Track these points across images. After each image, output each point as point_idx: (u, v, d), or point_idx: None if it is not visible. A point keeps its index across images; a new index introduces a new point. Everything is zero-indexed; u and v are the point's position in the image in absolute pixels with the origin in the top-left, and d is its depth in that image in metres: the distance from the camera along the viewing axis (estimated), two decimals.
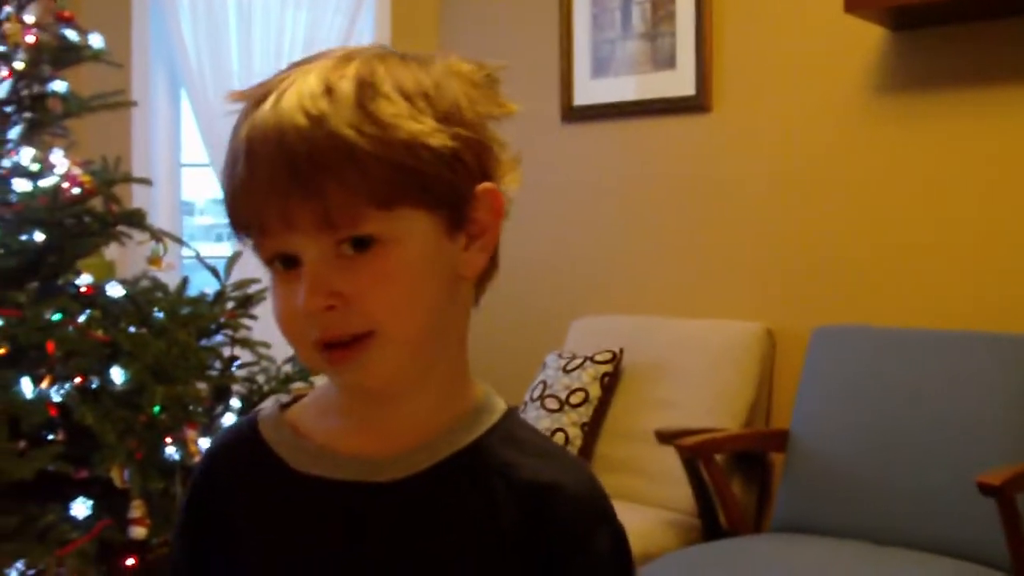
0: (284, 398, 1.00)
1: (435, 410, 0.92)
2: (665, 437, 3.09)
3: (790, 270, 3.47)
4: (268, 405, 1.00)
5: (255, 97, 0.87)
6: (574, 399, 3.42)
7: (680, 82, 3.70)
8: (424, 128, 0.84)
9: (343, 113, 0.82)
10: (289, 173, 0.82)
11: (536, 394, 3.52)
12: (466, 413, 0.94)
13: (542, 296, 4.03)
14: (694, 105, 3.67)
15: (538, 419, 3.43)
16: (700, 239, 3.67)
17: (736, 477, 3.23)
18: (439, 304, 0.89)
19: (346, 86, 0.84)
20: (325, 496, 0.91)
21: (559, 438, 3.36)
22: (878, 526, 2.86)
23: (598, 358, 3.48)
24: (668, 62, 3.73)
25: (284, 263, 0.86)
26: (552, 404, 3.44)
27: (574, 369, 3.48)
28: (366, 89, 0.84)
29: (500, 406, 0.96)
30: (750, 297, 3.54)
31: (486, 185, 0.90)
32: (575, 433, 3.38)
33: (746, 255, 3.56)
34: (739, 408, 3.30)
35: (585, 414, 3.40)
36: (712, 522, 3.10)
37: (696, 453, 3.02)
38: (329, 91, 0.83)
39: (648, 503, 3.24)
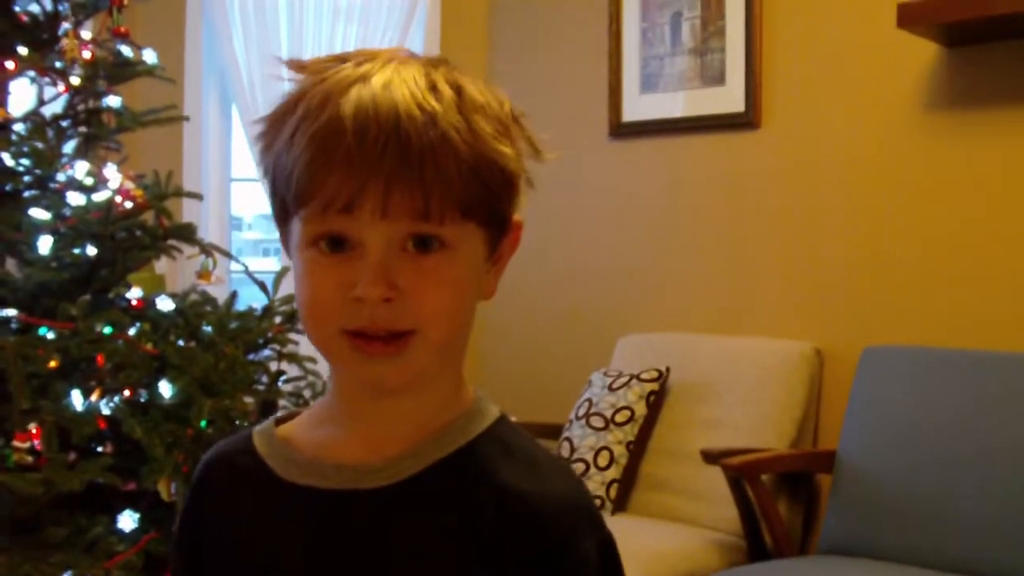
0: (281, 414, 1.02)
1: (428, 416, 0.93)
2: (711, 456, 3.06)
3: (840, 289, 3.43)
4: (259, 427, 1.01)
5: (345, 78, 0.87)
6: (619, 417, 3.40)
7: (729, 98, 3.68)
8: (508, 152, 0.88)
9: (450, 116, 0.85)
10: (401, 157, 0.83)
11: (581, 412, 3.50)
12: (457, 419, 0.94)
13: (589, 313, 4.02)
14: (743, 122, 3.65)
15: (583, 437, 3.42)
16: (749, 257, 3.64)
17: (782, 498, 3.20)
18: (470, 314, 0.92)
19: (447, 90, 0.86)
20: (311, 505, 0.92)
21: (604, 456, 3.35)
22: (927, 550, 2.81)
23: (644, 376, 3.46)
24: (717, 78, 3.71)
25: (331, 245, 0.86)
26: (597, 422, 3.43)
27: (620, 387, 3.46)
28: (464, 99, 0.87)
29: (492, 411, 0.96)
30: (799, 316, 3.50)
31: (517, 218, 0.94)
32: (620, 452, 3.36)
33: (795, 273, 3.53)
34: (786, 428, 3.27)
35: (630, 433, 3.39)
36: (757, 543, 3.07)
37: (742, 473, 2.99)
38: (435, 90, 0.86)
39: (693, 523, 3.21)
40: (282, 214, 0.91)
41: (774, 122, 3.61)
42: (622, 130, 3.98)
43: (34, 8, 2.85)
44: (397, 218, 0.84)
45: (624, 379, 3.48)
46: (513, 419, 0.97)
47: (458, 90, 0.87)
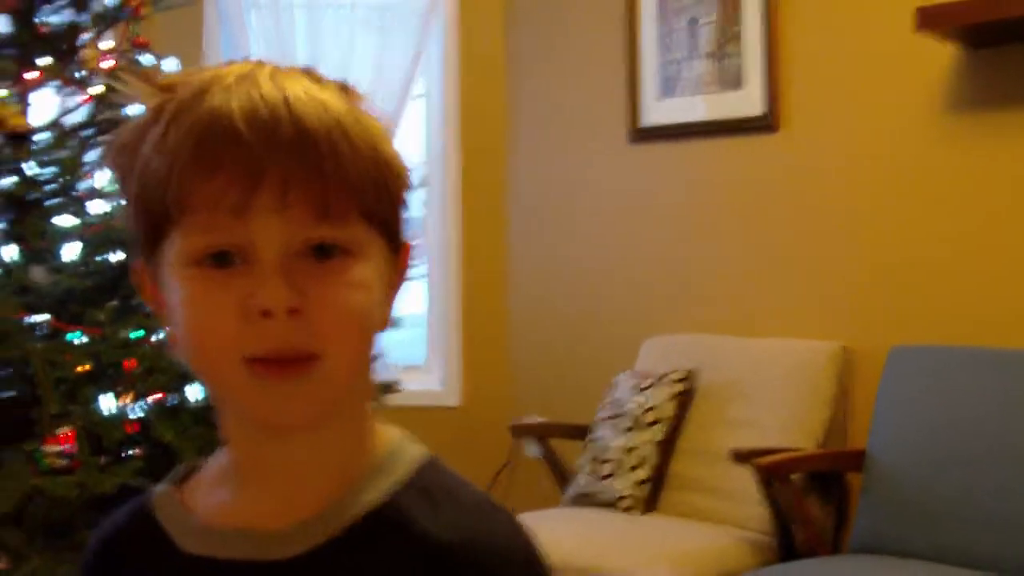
0: (182, 470, 0.90)
1: (338, 464, 0.82)
2: (740, 456, 3.05)
3: (866, 289, 3.42)
4: (165, 481, 0.90)
5: (219, 74, 0.77)
6: (648, 418, 3.39)
7: (748, 102, 3.68)
8: (398, 156, 0.81)
9: (342, 106, 0.77)
10: (298, 144, 0.74)
11: (608, 413, 3.50)
12: (371, 468, 0.82)
13: (613, 315, 4.02)
14: (762, 125, 3.64)
15: (612, 438, 3.41)
16: (773, 258, 3.63)
17: (812, 497, 3.18)
18: (371, 344, 0.80)
19: (332, 86, 0.79)
20: None
21: (633, 457, 3.34)
22: (959, 549, 2.79)
23: (672, 377, 3.45)
24: (735, 82, 3.71)
25: (217, 260, 0.75)
26: (626, 423, 3.42)
27: (647, 388, 3.45)
28: (350, 96, 0.80)
29: (414, 454, 0.85)
30: (825, 316, 3.49)
31: (407, 240, 0.85)
32: (649, 452, 3.35)
33: (821, 274, 3.52)
34: (815, 427, 3.25)
35: (659, 433, 3.38)
36: (788, 542, 3.05)
37: (772, 473, 2.98)
38: (320, 83, 0.79)
39: (723, 522, 3.20)
40: (151, 238, 0.78)
41: (793, 125, 3.60)
42: (641, 135, 3.98)
43: (55, 20, 2.88)
44: (296, 216, 0.74)
45: (652, 380, 3.47)
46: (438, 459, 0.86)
47: (342, 87, 0.80)
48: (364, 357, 0.80)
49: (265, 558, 0.79)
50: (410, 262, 0.86)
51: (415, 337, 4.40)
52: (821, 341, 3.40)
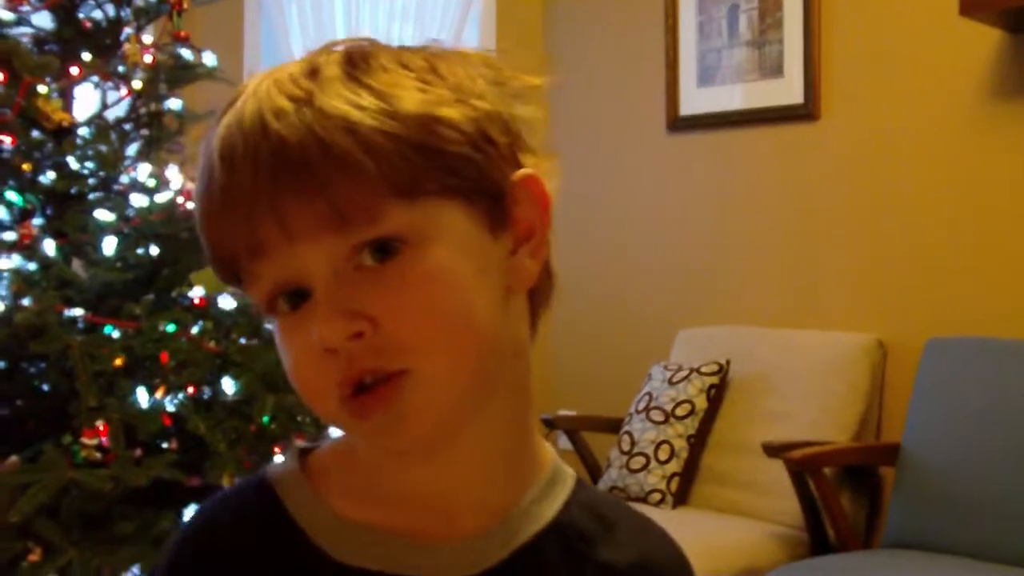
0: (295, 450, 0.79)
1: (503, 473, 0.75)
2: (773, 450, 3.05)
3: (902, 280, 3.39)
4: (283, 461, 0.79)
5: (226, 105, 0.71)
6: (680, 411, 3.39)
7: (788, 90, 3.65)
8: (433, 98, 0.68)
9: (334, 88, 0.67)
10: (278, 167, 0.65)
11: (641, 406, 3.50)
12: (540, 480, 0.77)
13: (647, 307, 4.01)
14: (802, 113, 3.62)
15: (644, 431, 3.42)
16: (809, 249, 3.61)
17: (845, 491, 3.17)
18: (492, 322, 0.70)
19: (333, 63, 0.69)
20: None
21: (665, 450, 3.35)
22: (994, 544, 2.78)
23: (704, 370, 3.45)
24: (775, 70, 3.69)
25: (290, 301, 0.69)
26: (657, 416, 3.42)
27: (680, 381, 3.45)
28: (357, 62, 0.69)
29: (569, 470, 0.80)
30: (861, 308, 3.47)
31: (525, 171, 0.72)
32: (681, 445, 3.35)
33: (857, 265, 3.49)
34: (849, 421, 3.24)
35: (691, 426, 3.38)
36: (820, 537, 3.05)
37: (804, 466, 2.97)
38: (313, 72, 0.68)
39: (755, 516, 3.20)
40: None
41: (833, 113, 3.58)
42: (680, 124, 3.96)
43: (97, 15, 2.91)
44: (317, 235, 0.66)
45: (684, 372, 3.47)
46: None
47: (352, 57, 0.69)
48: (478, 344, 0.69)
49: None
50: (540, 192, 0.73)
51: None
52: (856, 333, 3.38)
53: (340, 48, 0.71)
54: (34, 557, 2.12)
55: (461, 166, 0.69)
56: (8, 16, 2.58)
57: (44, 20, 2.80)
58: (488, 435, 0.73)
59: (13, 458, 2.19)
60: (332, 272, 0.67)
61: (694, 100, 3.92)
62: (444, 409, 0.68)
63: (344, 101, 0.66)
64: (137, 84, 2.87)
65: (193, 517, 0.77)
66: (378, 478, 0.74)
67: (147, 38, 2.93)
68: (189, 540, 0.75)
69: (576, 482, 0.79)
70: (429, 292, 0.67)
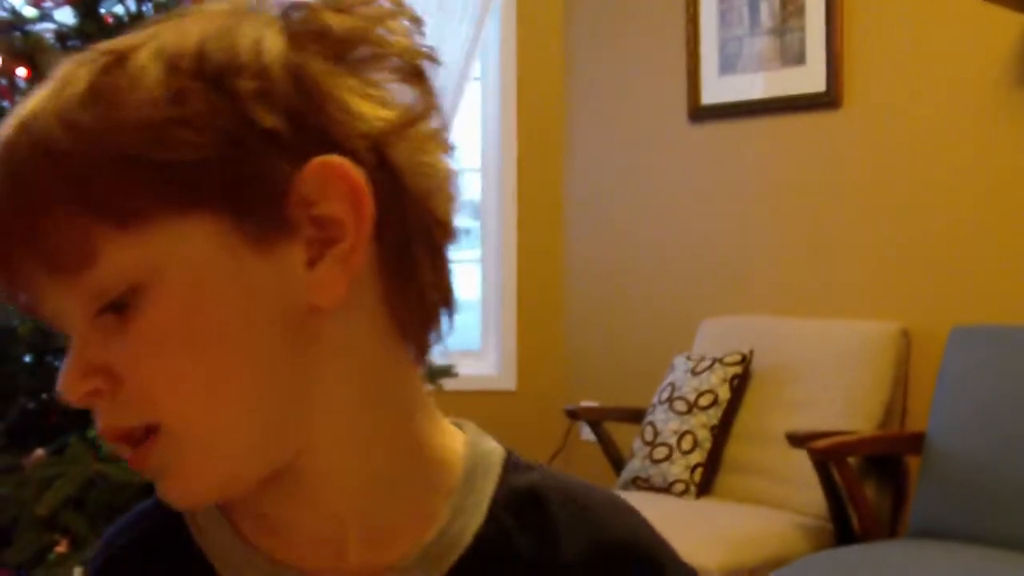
0: None
1: (387, 497, 0.64)
2: (796, 440, 3.03)
3: (926, 268, 3.37)
4: None
5: None
6: (703, 401, 3.39)
7: (810, 78, 3.63)
8: (166, 91, 0.56)
9: (60, 104, 0.57)
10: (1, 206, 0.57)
11: (664, 396, 3.50)
12: (451, 487, 0.66)
13: (670, 297, 4.00)
14: (825, 101, 3.60)
15: (667, 421, 3.41)
16: (832, 238, 3.59)
17: (870, 480, 3.16)
18: (269, 364, 0.58)
19: (89, 67, 0.58)
20: None
21: (688, 440, 3.34)
22: (1020, 532, 2.76)
23: (727, 360, 3.44)
24: (797, 58, 3.66)
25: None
26: (681, 406, 3.42)
27: (703, 371, 3.45)
28: (112, 64, 0.58)
29: (494, 451, 0.69)
30: (884, 296, 3.45)
31: (324, 160, 0.58)
32: (704, 435, 3.35)
33: (880, 253, 3.47)
34: (873, 410, 3.22)
35: (714, 416, 3.37)
36: (845, 527, 3.04)
37: (828, 456, 2.96)
38: (65, 82, 0.58)
39: (779, 506, 3.19)
40: None
41: (856, 101, 3.55)
42: (701, 113, 3.95)
43: (119, 10, 2.92)
44: (44, 282, 0.58)
45: (707, 363, 3.46)
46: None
47: (115, 56, 0.58)
48: (241, 406, 0.58)
49: None
50: (343, 182, 0.58)
51: (470, 321, 4.42)
52: (880, 322, 3.36)
53: (139, 35, 0.60)
54: (61, 549, 2.14)
55: (200, 175, 0.56)
56: (31, 12, 2.59)
57: (66, 16, 2.82)
58: (343, 466, 0.62)
59: (39, 451, 2.20)
60: (81, 320, 0.58)
61: (715, 89, 3.91)
62: (220, 468, 0.59)
63: (58, 119, 0.56)
64: None
65: (98, 545, 0.70)
66: (261, 507, 0.64)
67: None
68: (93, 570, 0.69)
69: (504, 466, 0.67)
70: (163, 349, 0.56)
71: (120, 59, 0.58)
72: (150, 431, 0.58)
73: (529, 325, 4.37)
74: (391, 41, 0.62)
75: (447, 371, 3.02)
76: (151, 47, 0.58)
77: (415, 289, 0.62)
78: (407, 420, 0.64)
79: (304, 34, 0.60)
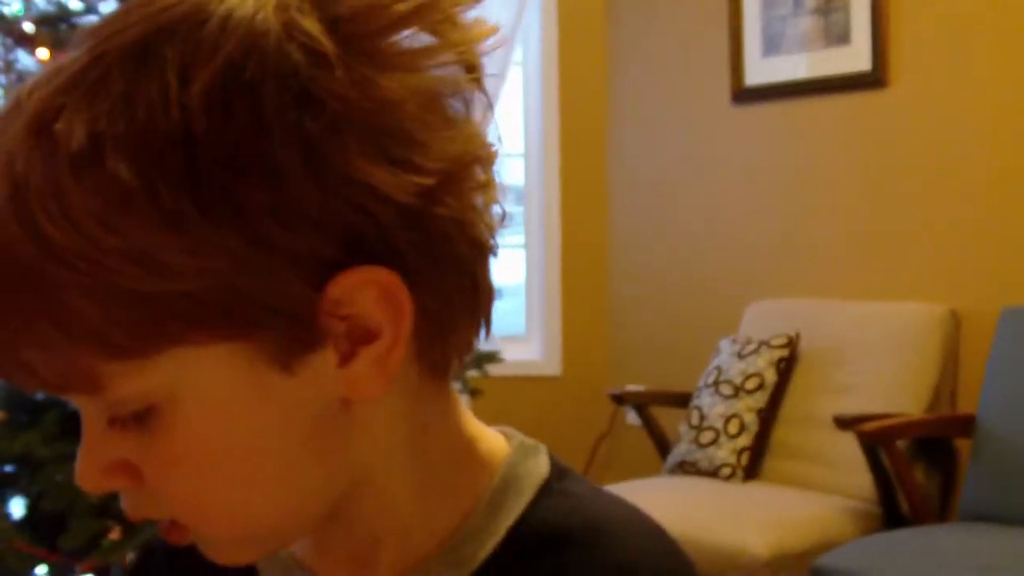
0: None
1: (418, 523, 0.61)
2: (844, 423, 3.01)
3: (976, 249, 3.33)
4: None
5: None
6: (749, 385, 3.37)
7: (855, 58, 3.59)
8: (155, 212, 0.49)
9: (20, 207, 0.49)
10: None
11: (710, 380, 3.48)
12: (473, 512, 0.61)
13: (716, 281, 3.99)
14: (870, 81, 3.56)
15: (713, 405, 3.40)
16: (879, 219, 3.56)
17: (919, 464, 3.13)
18: (304, 458, 0.55)
19: (44, 160, 0.49)
20: None
21: (735, 424, 3.33)
22: None
23: (774, 343, 3.42)
24: (842, 37, 3.63)
25: None
26: (727, 390, 3.40)
27: (749, 354, 3.43)
28: (78, 158, 0.49)
29: (533, 477, 0.63)
30: (932, 277, 3.41)
31: (354, 277, 0.52)
32: (751, 419, 3.34)
33: (928, 234, 3.44)
34: (922, 392, 3.19)
35: (761, 400, 3.35)
36: (894, 510, 3.02)
37: (876, 439, 2.94)
38: (19, 179, 0.49)
39: (827, 490, 3.17)
40: None
41: (902, 80, 3.51)
42: (745, 95, 3.92)
43: None
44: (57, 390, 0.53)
45: (753, 346, 3.44)
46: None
47: (94, 136, 0.49)
48: (266, 524, 0.56)
49: None
50: (382, 293, 0.53)
51: (514, 307, 4.42)
52: (929, 303, 3.33)
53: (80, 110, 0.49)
54: (114, 535, 2.16)
55: (205, 304, 0.50)
56: (77, 5, 2.62)
57: (111, 8, 2.84)
58: (384, 496, 0.60)
59: None
60: (95, 412, 0.54)
61: (759, 70, 3.87)
62: (261, 546, 0.58)
63: (22, 229, 0.48)
64: None
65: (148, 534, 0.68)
66: None
67: None
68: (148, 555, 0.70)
69: (538, 491, 0.62)
70: (187, 463, 0.53)
71: (82, 154, 0.48)
72: (177, 523, 0.56)
73: (574, 310, 4.36)
74: (447, 30, 0.55)
75: (492, 357, 3.02)
76: (113, 135, 0.48)
77: (452, 340, 0.58)
78: (444, 439, 0.61)
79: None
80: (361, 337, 0.54)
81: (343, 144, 0.50)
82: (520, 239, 4.51)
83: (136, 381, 0.51)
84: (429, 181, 0.52)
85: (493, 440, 0.64)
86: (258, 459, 0.54)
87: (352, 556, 0.62)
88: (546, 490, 0.62)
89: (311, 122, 0.50)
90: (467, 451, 0.62)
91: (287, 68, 0.50)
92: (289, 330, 0.51)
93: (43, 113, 0.50)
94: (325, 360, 0.53)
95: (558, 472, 0.63)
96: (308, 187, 0.50)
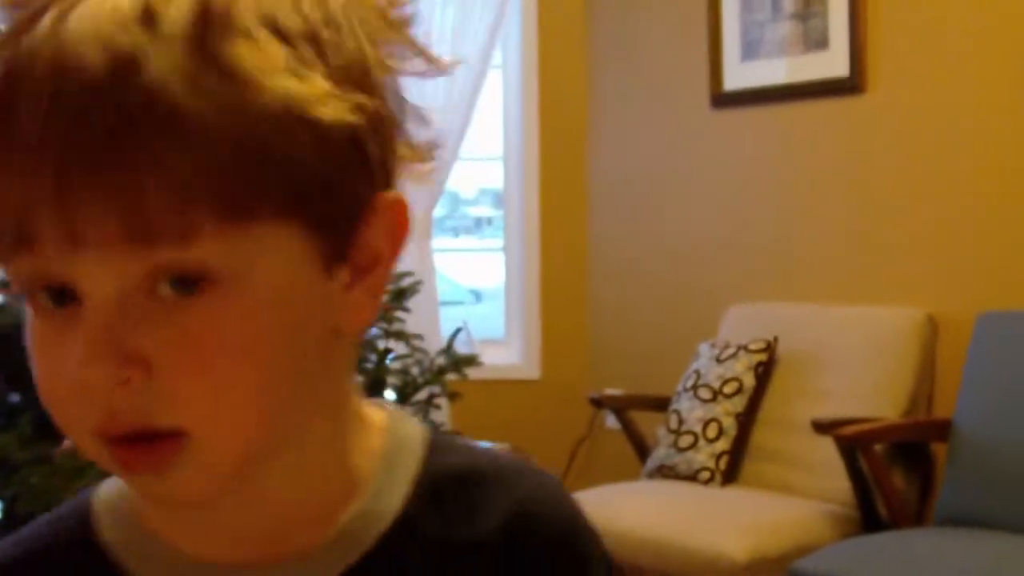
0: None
1: (321, 487, 0.62)
2: (822, 427, 3.02)
3: (952, 254, 3.35)
4: (106, 486, 0.64)
5: (24, 10, 0.52)
6: (727, 389, 3.38)
7: (833, 63, 3.61)
8: (309, 91, 0.52)
9: (172, 56, 0.50)
10: (76, 150, 0.49)
11: (689, 384, 3.49)
12: (369, 477, 0.63)
13: (694, 284, 3.99)
14: (848, 86, 3.57)
15: (692, 409, 3.40)
16: (856, 224, 3.57)
17: (896, 468, 3.14)
18: (298, 382, 0.56)
19: (177, 11, 0.50)
20: None
21: (713, 428, 3.33)
22: None
23: (752, 347, 3.43)
24: (820, 42, 3.64)
25: (55, 298, 0.53)
26: (705, 394, 3.41)
27: (727, 358, 3.44)
28: (212, 20, 0.51)
29: (416, 434, 0.66)
30: (910, 282, 3.43)
31: (393, 195, 0.57)
32: (729, 423, 3.34)
33: (905, 239, 3.45)
34: (899, 397, 3.21)
35: (739, 404, 3.36)
36: (871, 514, 3.03)
37: (854, 443, 2.94)
38: (148, 16, 0.50)
39: (805, 494, 3.18)
40: None
41: (880, 86, 3.53)
42: (723, 99, 3.93)
43: None
44: (105, 243, 0.50)
45: (732, 350, 3.45)
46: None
47: (205, 13, 0.51)
48: (268, 421, 0.55)
49: None
50: (401, 221, 0.58)
51: (493, 310, 4.42)
52: (906, 308, 3.34)
53: None
54: None
55: (314, 187, 0.53)
56: None
57: None
58: (295, 470, 0.60)
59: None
60: (116, 294, 0.51)
61: (738, 75, 3.88)
62: (224, 473, 0.55)
63: (180, 78, 0.49)
64: None
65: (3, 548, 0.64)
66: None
67: None
68: None
69: (427, 448, 0.65)
70: (226, 350, 0.52)
71: (226, 15, 0.51)
72: (171, 434, 0.52)
73: (553, 313, 4.36)
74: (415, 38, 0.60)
75: (472, 360, 3.03)
76: (254, 10, 0.52)
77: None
78: (342, 411, 0.63)
79: (396, 36, 0.59)
80: (364, 269, 0.57)
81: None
82: (499, 242, 4.51)
83: (223, 245, 0.51)
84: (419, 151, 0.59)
85: (369, 406, 0.66)
86: (280, 356, 0.54)
87: (261, 533, 0.61)
88: (434, 444, 0.66)
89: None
90: (361, 412, 0.64)
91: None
92: (344, 230, 0.55)
93: None
94: (342, 278, 0.56)
95: (435, 431, 0.68)
96: (387, 111, 0.57)
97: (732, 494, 3.24)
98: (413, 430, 0.66)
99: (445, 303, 4.41)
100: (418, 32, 0.59)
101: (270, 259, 0.53)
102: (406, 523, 0.62)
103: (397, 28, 0.58)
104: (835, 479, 3.07)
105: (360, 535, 0.61)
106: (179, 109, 0.49)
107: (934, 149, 3.40)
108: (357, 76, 0.54)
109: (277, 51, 0.51)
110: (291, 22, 0.52)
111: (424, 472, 0.64)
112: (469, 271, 5.13)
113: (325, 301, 0.56)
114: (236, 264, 0.52)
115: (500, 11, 4.25)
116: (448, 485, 0.64)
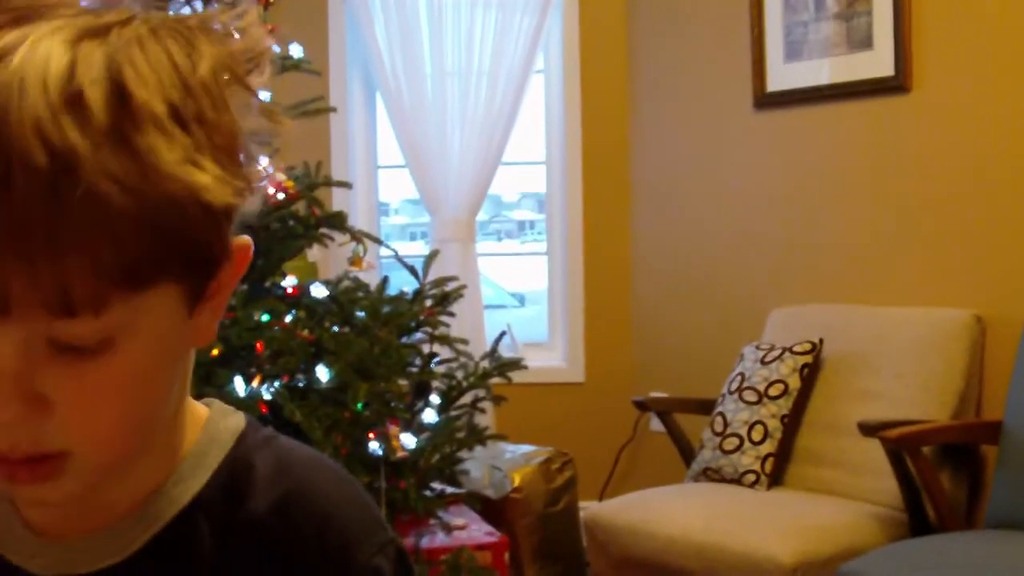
0: None
1: (143, 479, 0.72)
2: (869, 429, 3.00)
3: (1001, 254, 3.31)
4: None
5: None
6: (773, 391, 3.36)
7: (878, 63, 3.58)
8: (203, 180, 0.58)
9: (102, 153, 0.55)
10: (15, 240, 0.55)
11: (734, 386, 3.47)
12: (183, 463, 0.73)
13: (739, 287, 3.98)
14: (893, 86, 3.54)
15: (737, 412, 3.39)
16: (903, 225, 3.54)
17: (945, 470, 3.11)
18: (161, 403, 0.67)
19: (96, 95, 0.56)
20: None
21: (758, 431, 3.32)
22: None
23: (797, 349, 3.41)
24: (865, 42, 3.61)
25: None
26: (751, 396, 3.39)
27: (772, 360, 3.42)
28: (129, 107, 0.56)
29: (233, 426, 0.76)
30: (957, 283, 3.39)
31: (242, 240, 0.66)
32: (775, 426, 3.32)
33: (952, 240, 3.42)
34: (947, 399, 3.17)
35: (784, 406, 3.34)
36: (920, 517, 3.00)
37: (902, 445, 2.92)
38: (74, 102, 0.55)
39: (852, 497, 3.15)
40: None
41: (925, 85, 3.50)
42: (767, 100, 3.91)
43: (186, 11, 2.95)
44: (26, 315, 0.57)
45: (777, 352, 3.43)
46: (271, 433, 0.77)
47: (119, 90, 0.56)
48: (140, 441, 0.67)
49: (73, 572, 0.71)
50: (244, 258, 0.67)
51: (537, 314, 4.42)
52: (954, 309, 3.31)
53: (100, 47, 0.57)
54: None
55: (198, 253, 0.62)
56: None
57: None
58: (131, 470, 0.70)
59: None
60: (27, 350, 0.58)
61: (781, 76, 3.87)
62: (93, 481, 0.65)
63: (109, 176, 0.55)
64: None
65: None
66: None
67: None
68: None
69: (237, 441, 0.75)
70: (115, 391, 0.61)
71: (133, 101, 0.57)
72: (52, 457, 0.62)
73: (597, 316, 4.36)
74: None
75: (516, 364, 3.03)
76: (155, 93, 0.58)
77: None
78: (177, 414, 0.73)
79: (250, 98, 0.65)
80: (212, 293, 0.65)
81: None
82: (543, 246, 4.52)
83: (124, 308, 0.59)
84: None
85: (196, 404, 0.76)
86: (158, 391, 0.65)
87: (86, 516, 0.71)
88: (244, 437, 0.75)
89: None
90: (188, 412, 0.74)
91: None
92: (210, 278, 0.64)
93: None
94: (197, 315, 0.65)
95: (255, 427, 0.77)
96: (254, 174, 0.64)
97: (778, 497, 3.22)
98: (228, 425, 0.76)
99: (489, 307, 4.42)
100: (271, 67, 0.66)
101: (155, 313, 0.61)
102: (199, 505, 0.72)
103: (250, 88, 0.64)
104: (882, 481, 3.05)
105: (160, 514, 0.71)
106: (110, 202, 0.55)
107: (980, 148, 3.36)
108: (234, 150, 0.61)
109: (181, 139, 0.58)
110: (185, 106, 0.59)
111: (225, 462, 0.74)
112: (513, 275, 5.14)
113: (186, 336, 0.65)
114: (129, 324, 0.59)
115: (542, 15, 4.25)
116: (240, 472, 0.74)
